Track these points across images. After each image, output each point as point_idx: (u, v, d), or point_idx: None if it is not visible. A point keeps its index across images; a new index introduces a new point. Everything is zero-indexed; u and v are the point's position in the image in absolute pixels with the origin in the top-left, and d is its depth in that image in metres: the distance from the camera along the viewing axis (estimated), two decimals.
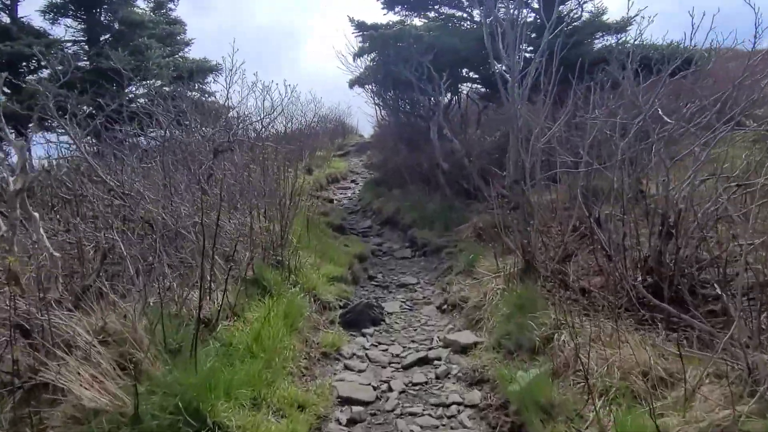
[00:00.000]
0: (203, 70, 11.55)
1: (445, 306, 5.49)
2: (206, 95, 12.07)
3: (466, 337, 4.52)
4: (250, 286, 4.43)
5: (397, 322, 5.22)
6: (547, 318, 3.97)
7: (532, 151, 5.45)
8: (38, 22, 10.92)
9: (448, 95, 9.61)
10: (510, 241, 5.59)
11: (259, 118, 8.82)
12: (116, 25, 10.63)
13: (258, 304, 4.21)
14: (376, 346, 4.64)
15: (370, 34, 9.19)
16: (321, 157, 17.38)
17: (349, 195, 13.67)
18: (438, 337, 4.75)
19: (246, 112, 13.22)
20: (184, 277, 3.93)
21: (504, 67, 7.07)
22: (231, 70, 7.75)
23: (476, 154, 8.90)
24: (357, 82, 13.83)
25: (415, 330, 5.02)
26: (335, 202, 12.61)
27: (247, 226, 5.16)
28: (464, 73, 11.77)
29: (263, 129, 9.26)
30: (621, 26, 10.10)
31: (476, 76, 11.70)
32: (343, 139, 25.83)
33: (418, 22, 10.94)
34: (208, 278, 3.79)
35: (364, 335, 4.85)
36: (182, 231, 4.42)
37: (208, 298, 3.79)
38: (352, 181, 15.98)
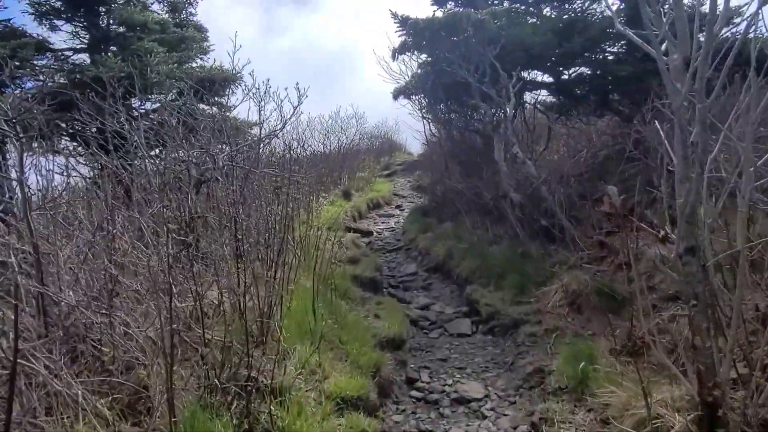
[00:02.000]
0: (219, 80, 9.59)
1: None
2: (224, 109, 10.11)
3: None
4: None
5: None
6: None
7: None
8: (33, 27, 9.37)
9: (511, 104, 7.10)
10: (669, 357, 3.03)
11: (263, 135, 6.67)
12: (117, 28, 8.88)
13: None
14: None
15: (414, 23, 6.85)
16: (363, 178, 15.16)
17: (392, 225, 11.32)
18: None
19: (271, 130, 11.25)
20: None
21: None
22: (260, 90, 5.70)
23: (559, 180, 6.35)
24: (402, 92, 11.56)
25: None
26: (374, 234, 10.30)
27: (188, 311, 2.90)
28: (532, 77, 9.24)
29: (287, 151, 7.14)
30: None
31: (550, 80, 9.12)
32: (389, 157, 23.63)
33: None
34: None
35: None
36: None
37: None
38: (397, 207, 13.63)
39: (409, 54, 8.06)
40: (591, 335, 4.32)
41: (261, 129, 6.29)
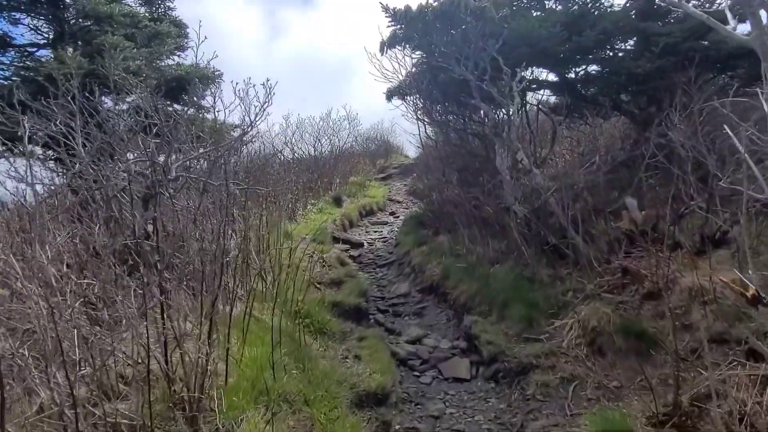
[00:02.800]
0: (196, 79, 8.73)
1: None
2: (201, 111, 9.26)
3: None
4: None
5: None
6: None
7: None
8: None
9: (515, 105, 6.20)
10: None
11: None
12: (81, 21, 8.02)
13: None
14: None
15: (404, 12, 5.98)
16: (356, 183, 14.31)
17: (386, 234, 10.47)
18: None
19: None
20: None
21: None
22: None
23: (569, 191, 5.51)
24: (396, 92, 10.73)
25: None
26: (365, 245, 9.44)
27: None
28: (535, 76, 8.39)
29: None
30: None
31: (554, 79, 8.28)
32: (385, 160, 22.77)
33: None
34: None
35: None
36: None
37: None
38: (391, 214, 12.78)
39: (400, 48, 7.19)
40: (618, 388, 3.48)
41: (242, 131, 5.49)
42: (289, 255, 4.85)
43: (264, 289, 4.59)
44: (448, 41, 6.10)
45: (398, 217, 12.17)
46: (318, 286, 5.60)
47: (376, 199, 13.43)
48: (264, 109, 4.93)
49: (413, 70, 9.78)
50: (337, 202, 11.86)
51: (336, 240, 9.18)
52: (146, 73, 7.77)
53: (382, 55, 7.18)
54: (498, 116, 6.43)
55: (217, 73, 8.84)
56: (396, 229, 10.56)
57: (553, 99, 9.59)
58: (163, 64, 8.94)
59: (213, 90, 8.96)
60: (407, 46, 6.86)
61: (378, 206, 13.04)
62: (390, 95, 10.72)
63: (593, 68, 8.13)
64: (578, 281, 4.81)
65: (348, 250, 8.89)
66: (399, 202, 14.66)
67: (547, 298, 4.76)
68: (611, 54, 7.74)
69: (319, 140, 13.83)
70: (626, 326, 3.92)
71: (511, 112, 5.75)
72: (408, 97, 10.91)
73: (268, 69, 53.67)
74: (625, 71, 7.13)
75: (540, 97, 8.63)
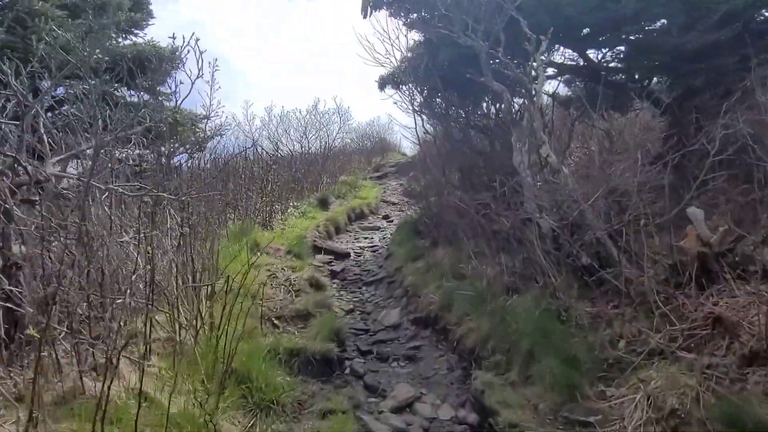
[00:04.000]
0: (154, 59, 7.25)
1: None
2: (162, 98, 7.78)
3: None
4: None
5: None
6: None
7: None
8: None
9: (539, 83, 4.71)
10: None
11: None
12: None
13: None
14: None
15: None
16: (346, 182, 12.85)
17: (376, 241, 9.03)
18: None
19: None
20: None
21: None
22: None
23: (609, 197, 4.08)
24: (389, 80, 9.31)
25: None
26: (351, 256, 8.00)
27: None
28: (550, 58, 6.92)
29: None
30: None
31: (573, 61, 6.83)
32: (381, 158, 21.30)
33: None
34: None
35: None
36: None
37: None
38: (385, 217, 11.32)
39: (390, 12, 5.69)
40: None
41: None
42: (243, 279, 3.39)
43: (192, 340, 3.15)
44: (452, 1, 4.64)
45: (392, 221, 10.72)
46: (277, 322, 4.15)
47: (368, 200, 11.97)
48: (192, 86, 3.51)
49: (409, 55, 8.38)
50: (324, 204, 10.40)
51: (318, 250, 7.75)
52: (79, 49, 6.28)
53: (365, 18, 5.66)
54: (513, 101, 4.98)
55: (176, 53, 7.35)
56: (389, 236, 9.12)
57: (564, 90, 8.13)
58: (115, 43, 7.47)
59: (171, 72, 7.52)
60: (399, 10, 5.37)
61: (370, 209, 11.58)
62: (383, 83, 9.28)
63: (620, 48, 6.71)
64: (634, 326, 3.36)
65: (331, 262, 7.45)
66: (394, 203, 13.21)
67: (590, 349, 3.32)
68: (647, 28, 6.29)
69: (306, 135, 12.34)
70: (729, 413, 2.49)
71: (533, 92, 4.29)
72: (403, 87, 9.47)
73: (268, 68, 52.18)
74: (669, 48, 5.68)
75: (561, 80, 7.09)
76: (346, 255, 7.94)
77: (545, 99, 7.41)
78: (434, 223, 6.87)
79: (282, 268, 5.68)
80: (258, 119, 14.22)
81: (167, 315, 3.05)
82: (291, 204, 9.63)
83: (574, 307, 3.77)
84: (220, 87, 7.13)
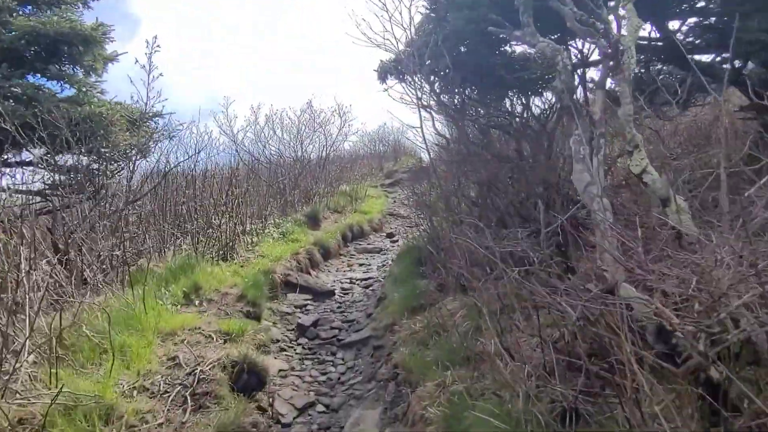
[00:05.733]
0: (73, 41, 5.36)
1: None
2: (87, 88, 5.90)
3: None
4: None
5: None
6: None
7: None
8: None
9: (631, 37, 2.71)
10: None
11: None
12: None
13: None
14: None
15: None
16: (345, 193, 10.87)
17: (374, 271, 7.04)
18: None
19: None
20: None
21: None
22: None
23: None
24: (391, 69, 7.33)
25: None
26: (336, 295, 6.02)
27: None
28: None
29: None
30: None
31: (647, 34, 4.73)
32: (394, 163, 19.32)
33: None
34: None
35: None
36: None
37: None
38: (389, 236, 9.32)
39: None
40: None
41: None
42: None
43: None
44: None
45: (396, 241, 8.73)
46: None
47: (371, 215, 9.97)
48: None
49: (414, 37, 6.41)
50: (313, 221, 8.44)
51: (291, 287, 5.82)
52: None
53: None
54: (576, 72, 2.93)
55: (100, 31, 5.47)
56: (390, 261, 7.13)
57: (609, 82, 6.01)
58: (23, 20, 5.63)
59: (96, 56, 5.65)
60: None
61: (372, 225, 9.59)
62: (383, 73, 7.27)
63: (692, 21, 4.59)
64: None
65: (305, 306, 5.49)
66: (403, 216, 11.18)
67: None
68: None
69: (299, 138, 10.38)
70: None
71: (620, 48, 2.24)
72: (408, 78, 7.46)
73: (266, 65, 50.81)
74: None
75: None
76: (329, 294, 5.96)
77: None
78: (442, 258, 4.83)
79: (210, 335, 3.73)
80: (243, 119, 12.37)
81: None
82: (271, 222, 7.72)
83: None
84: (162, 74, 5.21)
